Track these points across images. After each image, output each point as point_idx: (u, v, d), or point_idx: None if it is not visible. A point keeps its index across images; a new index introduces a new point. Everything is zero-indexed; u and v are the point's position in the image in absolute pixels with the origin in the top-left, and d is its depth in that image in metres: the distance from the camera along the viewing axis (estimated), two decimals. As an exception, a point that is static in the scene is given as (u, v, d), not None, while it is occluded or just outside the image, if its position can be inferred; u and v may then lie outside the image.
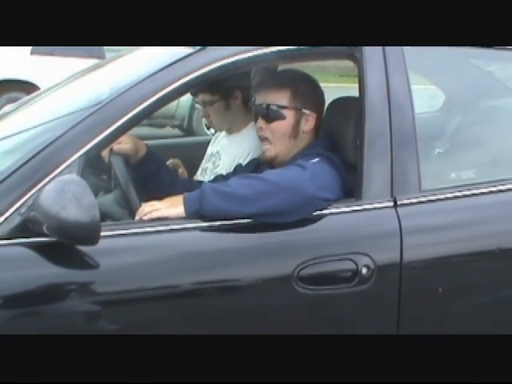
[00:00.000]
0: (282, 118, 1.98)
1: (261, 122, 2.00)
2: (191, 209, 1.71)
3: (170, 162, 2.38)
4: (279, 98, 1.99)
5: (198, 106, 2.61)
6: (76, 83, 2.27)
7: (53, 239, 1.57)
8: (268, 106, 1.98)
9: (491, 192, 1.89)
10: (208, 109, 2.39)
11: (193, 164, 2.53)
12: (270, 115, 1.98)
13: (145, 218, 1.69)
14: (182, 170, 2.42)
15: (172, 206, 1.72)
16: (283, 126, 1.98)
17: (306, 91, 2.04)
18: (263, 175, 1.80)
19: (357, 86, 1.88)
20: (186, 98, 7.26)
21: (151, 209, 1.71)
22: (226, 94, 2.35)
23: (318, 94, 2.08)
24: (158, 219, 1.70)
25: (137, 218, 1.73)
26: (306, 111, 2.01)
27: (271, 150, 2.00)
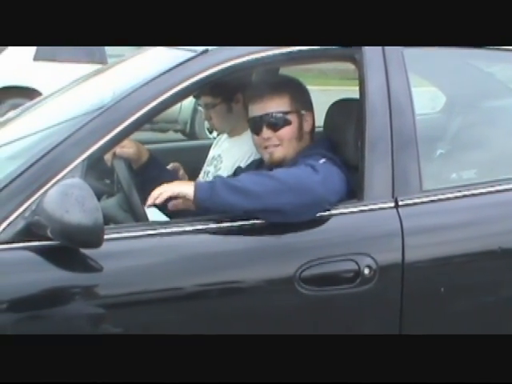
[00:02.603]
0: (289, 123, 1.99)
1: (267, 132, 1.98)
2: (200, 195, 1.71)
3: (170, 166, 2.39)
4: (281, 105, 1.99)
5: (200, 108, 2.63)
6: (78, 88, 2.28)
7: (56, 243, 1.59)
8: (272, 114, 1.97)
9: (492, 192, 1.90)
10: (210, 111, 2.40)
11: (195, 167, 2.54)
12: (277, 123, 1.97)
13: (157, 201, 1.72)
14: (182, 173, 2.43)
15: (182, 184, 1.77)
16: (291, 130, 1.99)
17: (300, 93, 2.06)
18: (274, 173, 1.79)
19: (357, 88, 1.89)
20: (189, 103, 7.28)
21: (161, 190, 1.73)
22: (228, 96, 2.36)
23: (307, 93, 2.10)
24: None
25: (149, 202, 1.75)
26: (304, 112, 2.03)
27: (280, 152, 1.99)
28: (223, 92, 2.33)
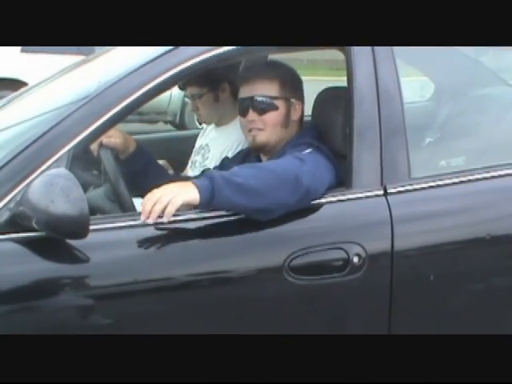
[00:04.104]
0: (275, 108, 1.98)
1: (252, 115, 1.98)
2: (205, 198, 1.64)
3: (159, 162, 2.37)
4: (269, 89, 1.98)
5: (187, 99, 2.62)
6: (64, 78, 2.26)
7: (42, 234, 1.57)
8: (259, 97, 1.97)
9: (481, 179, 1.89)
10: (197, 102, 2.39)
11: (182, 158, 2.53)
12: (263, 107, 1.97)
13: (165, 219, 1.58)
14: (170, 172, 2.41)
15: (184, 192, 1.61)
16: (276, 116, 1.98)
17: (292, 81, 2.06)
18: (268, 165, 1.78)
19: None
20: (178, 94, 7.24)
21: (163, 202, 1.58)
22: (215, 86, 2.35)
23: (300, 83, 2.09)
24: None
25: (143, 218, 1.61)
26: (294, 100, 2.02)
27: (263, 136, 1.98)
28: (210, 82, 2.32)
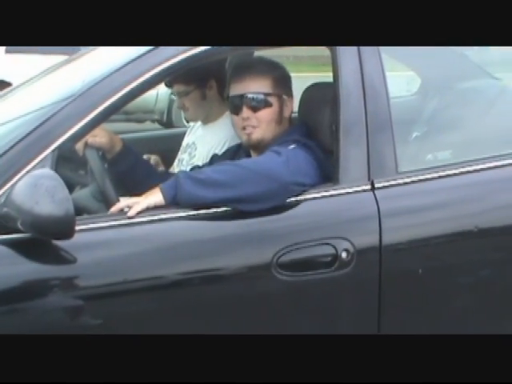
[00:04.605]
0: (269, 105, 1.97)
1: (246, 112, 1.96)
2: (168, 196, 1.70)
3: (152, 160, 2.35)
4: (263, 86, 1.97)
5: (173, 97, 2.60)
6: (47, 78, 2.24)
7: (28, 235, 1.56)
8: (253, 94, 1.96)
9: (468, 172, 1.90)
10: (183, 99, 2.37)
11: (170, 156, 2.52)
12: (257, 104, 1.96)
13: (129, 214, 1.67)
14: (161, 169, 2.40)
15: (150, 196, 1.71)
16: (270, 113, 1.97)
17: (283, 77, 2.05)
18: (238, 162, 1.79)
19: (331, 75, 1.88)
20: (165, 92, 7.21)
21: (129, 203, 1.70)
22: (201, 83, 2.34)
23: (290, 79, 2.09)
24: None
25: (112, 210, 1.71)
26: (286, 97, 2.02)
27: (258, 133, 1.97)
28: (196, 79, 2.31)
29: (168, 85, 2.44)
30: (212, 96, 2.37)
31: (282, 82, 2.02)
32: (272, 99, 1.98)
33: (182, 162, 2.43)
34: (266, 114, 1.97)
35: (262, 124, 1.97)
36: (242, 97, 1.97)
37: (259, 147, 1.99)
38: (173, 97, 2.31)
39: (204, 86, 2.35)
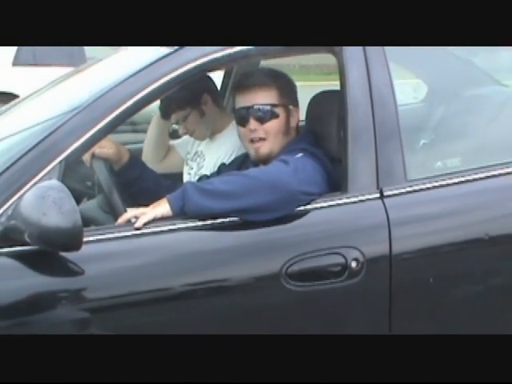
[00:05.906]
0: (276, 116, 1.96)
1: (253, 124, 1.95)
2: (176, 207, 1.69)
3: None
4: (269, 97, 1.97)
5: (175, 126, 2.58)
6: (54, 89, 2.24)
7: (35, 247, 1.55)
8: (260, 106, 1.95)
9: (477, 179, 1.88)
10: (185, 125, 2.37)
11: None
12: (264, 115, 1.95)
13: (136, 225, 1.66)
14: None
15: (157, 206, 1.71)
16: (277, 124, 1.97)
17: (288, 87, 2.05)
18: (245, 172, 1.79)
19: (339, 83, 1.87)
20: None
21: (136, 214, 1.69)
22: (195, 102, 2.32)
23: (295, 89, 2.09)
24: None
25: (119, 221, 1.71)
26: (292, 107, 2.02)
27: (266, 147, 1.96)
28: (189, 100, 2.30)
29: (165, 118, 2.44)
30: (210, 110, 2.36)
31: (288, 92, 2.02)
32: (279, 110, 1.97)
33: (191, 172, 2.42)
34: (273, 125, 1.96)
35: (269, 136, 1.96)
36: (248, 109, 1.96)
37: (269, 159, 1.97)
38: (174, 126, 2.32)
39: (199, 104, 2.33)
